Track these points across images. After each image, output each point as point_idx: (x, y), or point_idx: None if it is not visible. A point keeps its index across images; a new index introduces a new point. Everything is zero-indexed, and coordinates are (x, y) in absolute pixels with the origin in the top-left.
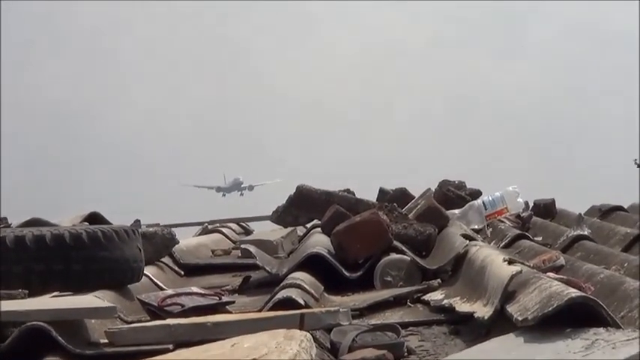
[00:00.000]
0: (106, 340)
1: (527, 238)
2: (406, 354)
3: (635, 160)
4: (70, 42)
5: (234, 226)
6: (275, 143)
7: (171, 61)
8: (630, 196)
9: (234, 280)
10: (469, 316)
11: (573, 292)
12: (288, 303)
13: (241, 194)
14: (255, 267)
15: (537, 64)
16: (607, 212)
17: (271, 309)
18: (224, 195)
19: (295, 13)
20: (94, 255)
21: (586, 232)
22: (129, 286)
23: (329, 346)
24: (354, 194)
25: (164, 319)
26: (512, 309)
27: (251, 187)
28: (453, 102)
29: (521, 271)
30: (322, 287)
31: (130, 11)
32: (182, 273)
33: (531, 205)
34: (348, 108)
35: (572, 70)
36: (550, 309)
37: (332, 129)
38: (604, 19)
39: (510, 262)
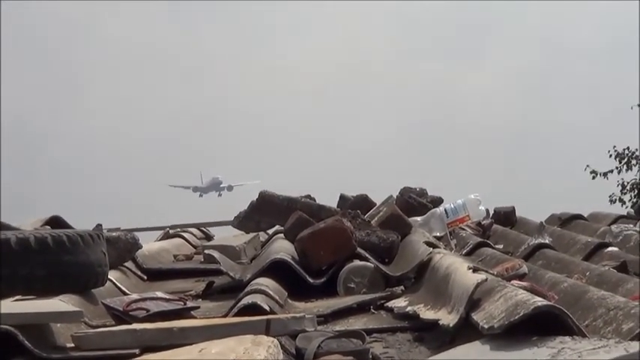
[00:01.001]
0: (72, 345)
1: (489, 245)
2: None
3: (587, 165)
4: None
5: (195, 231)
6: (254, 145)
7: (145, 60)
8: (586, 204)
9: (197, 286)
10: (433, 324)
11: (539, 301)
12: (254, 309)
13: (219, 195)
14: (217, 272)
15: (501, 74)
16: (567, 221)
17: (236, 315)
18: (201, 195)
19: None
20: (59, 259)
21: (547, 241)
22: (92, 290)
23: (294, 352)
24: (314, 200)
25: (129, 323)
26: (477, 317)
27: (230, 188)
28: (418, 113)
29: (486, 279)
30: (286, 293)
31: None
32: (145, 278)
33: (492, 213)
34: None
35: (534, 81)
36: (517, 317)
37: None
38: (567, 32)
39: (475, 270)
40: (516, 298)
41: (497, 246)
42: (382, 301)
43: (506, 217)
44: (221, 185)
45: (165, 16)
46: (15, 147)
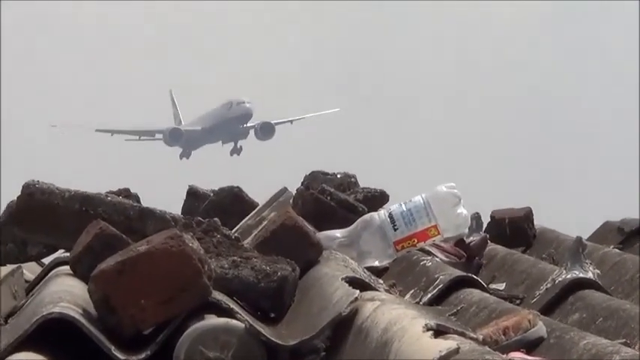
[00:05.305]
0: None
1: (477, 285)
2: None
3: None
4: None
5: None
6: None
7: None
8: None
9: None
10: None
11: None
12: None
13: (237, 150)
14: None
15: None
16: (633, 235)
17: None
18: (186, 156)
19: None
20: None
21: (589, 275)
22: None
23: None
24: (137, 200)
25: None
26: None
27: (268, 128)
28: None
29: (458, 350)
30: None
31: None
32: None
33: (487, 220)
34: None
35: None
36: None
37: None
38: None
39: (438, 332)
40: None
41: (494, 285)
42: None
43: (514, 229)
44: (247, 125)
45: None
46: None
